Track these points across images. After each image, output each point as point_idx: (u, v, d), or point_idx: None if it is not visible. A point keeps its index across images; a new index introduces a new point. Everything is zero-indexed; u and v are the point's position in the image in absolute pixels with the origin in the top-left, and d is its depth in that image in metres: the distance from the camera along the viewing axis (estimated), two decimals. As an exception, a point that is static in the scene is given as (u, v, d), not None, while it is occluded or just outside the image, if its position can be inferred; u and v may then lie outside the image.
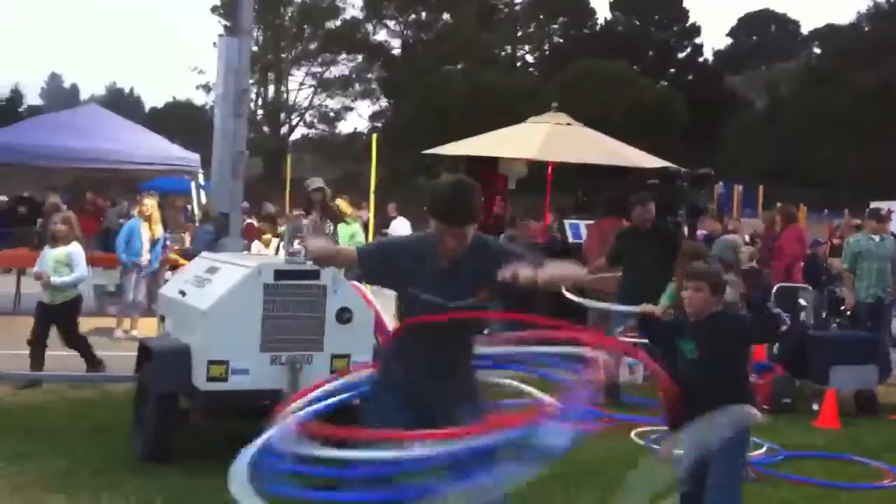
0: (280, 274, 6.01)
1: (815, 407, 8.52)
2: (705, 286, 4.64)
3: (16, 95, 51.80)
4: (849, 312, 10.53)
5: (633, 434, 7.44)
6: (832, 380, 8.52)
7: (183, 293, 6.49)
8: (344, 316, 6.08)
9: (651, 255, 8.38)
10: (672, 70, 51.44)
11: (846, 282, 10.42)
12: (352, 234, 11.36)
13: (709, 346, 4.64)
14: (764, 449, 7.05)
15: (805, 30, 63.56)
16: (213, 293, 6.06)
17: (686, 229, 12.03)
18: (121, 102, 56.11)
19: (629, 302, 8.56)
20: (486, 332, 4.25)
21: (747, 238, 14.84)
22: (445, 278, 3.63)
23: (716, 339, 4.63)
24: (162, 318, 6.91)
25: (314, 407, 3.99)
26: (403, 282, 3.71)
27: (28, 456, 6.03)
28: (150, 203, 11.56)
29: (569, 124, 12.28)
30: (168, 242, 14.24)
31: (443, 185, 3.64)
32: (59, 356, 9.36)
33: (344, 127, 54.35)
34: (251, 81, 8.12)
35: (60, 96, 68.66)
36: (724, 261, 12.11)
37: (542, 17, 52.23)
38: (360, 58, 49.03)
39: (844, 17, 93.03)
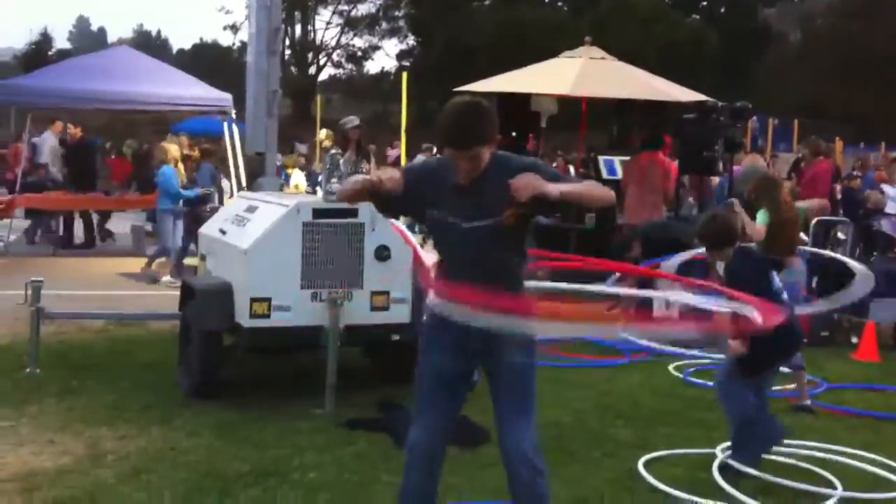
0: (318, 212, 6.05)
1: (854, 340, 8.52)
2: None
3: (44, 39, 51.82)
4: None
5: (671, 367, 7.49)
6: (871, 313, 8.49)
7: (223, 232, 6.55)
8: (382, 253, 6.13)
9: None
10: (704, 3, 50.37)
11: None
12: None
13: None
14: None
15: (842, -41, 61.75)
16: (253, 232, 6.11)
17: (721, 164, 11.91)
18: (148, 45, 55.98)
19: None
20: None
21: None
22: (463, 198, 3.47)
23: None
24: (203, 257, 6.99)
25: None
26: (424, 205, 3.59)
27: (77, 392, 6.18)
28: (174, 148, 11.69)
29: (603, 58, 12.08)
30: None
31: (448, 107, 3.48)
32: (104, 295, 9.56)
33: (371, 66, 54.03)
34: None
35: (88, 39, 68.59)
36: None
37: (571, -51, 51.20)
38: (386, -6, 48.47)
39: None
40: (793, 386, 6.66)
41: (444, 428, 3.64)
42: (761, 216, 7.07)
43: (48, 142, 15.21)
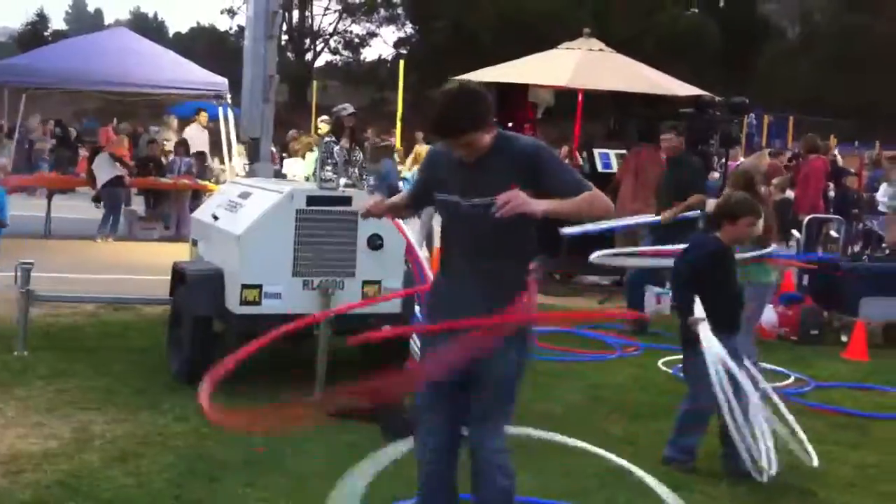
0: (312, 200, 6.03)
1: (844, 338, 8.52)
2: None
3: (41, 19, 51.58)
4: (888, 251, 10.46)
5: (660, 363, 7.49)
6: (862, 312, 8.49)
7: (216, 217, 6.53)
8: (375, 242, 6.11)
9: (672, 184, 8.45)
10: (704, -4, 50.23)
11: (888, 219, 10.40)
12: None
13: None
14: (792, 379, 7.09)
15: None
16: (246, 218, 6.09)
17: (717, 159, 11.92)
18: (145, 27, 55.71)
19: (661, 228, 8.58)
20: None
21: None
22: (467, 177, 3.42)
23: None
24: (195, 243, 6.97)
25: None
26: (434, 190, 3.56)
27: (67, 375, 6.16)
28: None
29: (601, 50, 12.07)
30: (193, 169, 14.30)
31: (437, 95, 3.41)
32: (97, 279, 9.52)
33: (369, 53, 53.74)
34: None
35: (85, 21, 68.29)
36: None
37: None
38: (385, -19, 48.29)
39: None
40: (780, 384, 6.68)
41: (451, 429, 3.58)
42: None
43: (191, 132, 15.28)
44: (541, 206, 3.25)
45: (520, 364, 3.53)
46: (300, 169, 12.61)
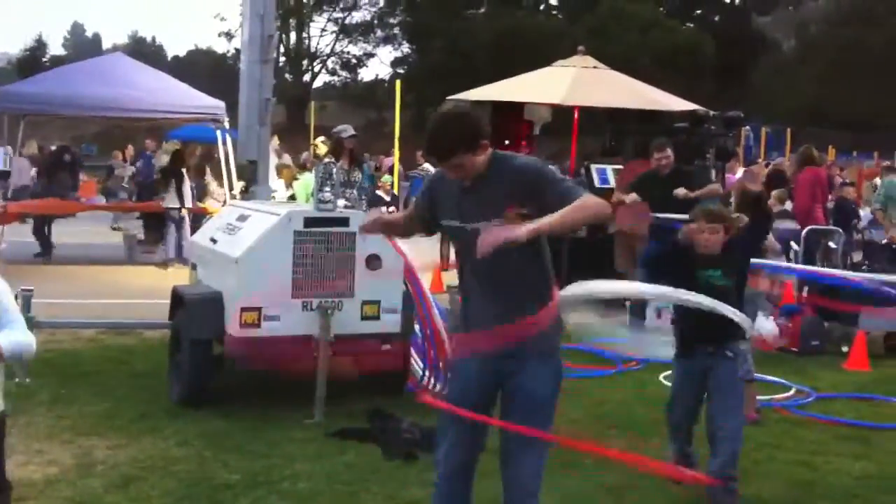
0: (310, 221, 6.05)
1: (845, 349, 8.50)
2: (721, 228, 4.96)
3: (39, 45, 51.92)
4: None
5: (661, 377, 7.47)
6: (862, 322, 8.48)
7: (214, 241, 6.55)
8: (373, 262, 6.12)
9: (674, 199, 8.36)
10: (699, 11, 50.52)
11: (883, 219, 10.47)
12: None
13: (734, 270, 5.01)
14: (793, 391, 7.09)
15: (835, -33, 61.86)
16: (244, 241, 6.11)
17: (714, 173, 11.93)
18: (143, 51, 56.01)
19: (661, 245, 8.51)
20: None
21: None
22: (466, 200, 3.41)
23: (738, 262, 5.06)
24: (194, 266, 6.98)
25: None
26: (439, 215, 3.56)
27: (67, 401, 6.16)
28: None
29: (595, 67, 12.15)
30: (195, 193, 14.30)
31: (430, 118, 3.43)
32: (96, 304, 9.52)
33: (366, 74, 53.93)
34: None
35: (83, 46, 68.64)
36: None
37: (566, -43, 51.25)
38: (381, 2, 48.56)
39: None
40: (782, 396, 6.67)
41: (472, 442, 3.54)
42: None
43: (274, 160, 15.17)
44: (522, 230, 3.17)
45: (555, 384, 3.48)
46: (282, 195, 12.67)
